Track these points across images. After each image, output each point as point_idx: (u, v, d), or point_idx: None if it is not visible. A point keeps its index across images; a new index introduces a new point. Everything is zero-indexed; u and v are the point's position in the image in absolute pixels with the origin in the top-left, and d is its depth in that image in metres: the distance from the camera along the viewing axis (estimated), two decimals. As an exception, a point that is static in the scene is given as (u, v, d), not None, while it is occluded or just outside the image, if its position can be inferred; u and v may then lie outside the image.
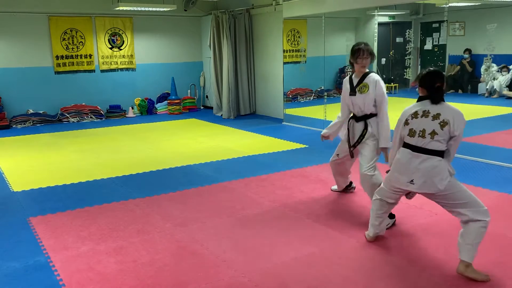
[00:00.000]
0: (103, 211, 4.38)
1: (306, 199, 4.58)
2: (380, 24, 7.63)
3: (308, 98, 10.23)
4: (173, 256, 3.41)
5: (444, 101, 3.05)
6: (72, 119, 9.84)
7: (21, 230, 3.96)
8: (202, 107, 11.72)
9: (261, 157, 6.38)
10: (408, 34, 10.59)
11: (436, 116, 3.00)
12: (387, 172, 3.36)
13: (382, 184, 3.47)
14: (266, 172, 5.55)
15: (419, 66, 10.71)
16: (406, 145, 3.15)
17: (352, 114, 4.20)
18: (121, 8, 9.28)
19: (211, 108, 11.07)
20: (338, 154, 4.40)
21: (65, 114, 9.84)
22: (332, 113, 6.54)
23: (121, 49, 10.50)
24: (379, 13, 7.55)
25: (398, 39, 10.74)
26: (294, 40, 9.77)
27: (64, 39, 9.81)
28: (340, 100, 4.34)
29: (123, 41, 10.50)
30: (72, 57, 9.97)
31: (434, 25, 10.11)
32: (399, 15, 10.58)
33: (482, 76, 10.17)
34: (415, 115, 3.09)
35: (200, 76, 11.58)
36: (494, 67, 9.81)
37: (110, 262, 3.33)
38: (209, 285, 2.99)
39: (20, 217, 4.28)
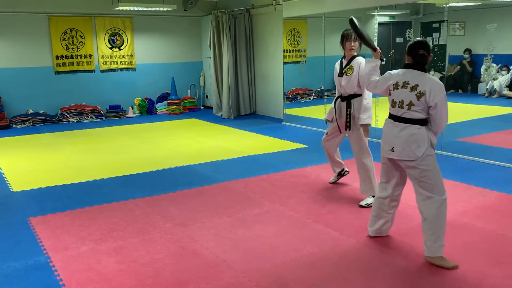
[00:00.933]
0: (103, 211, 4.38)
1: (306, 199, 4.58)
2: (380, 24, 7.62)
3: (308, 98, 10.22)
4: (173, 256, 3.41)
5: (425, 71, 3.17)
6: (72, 119, 9.84)
7: (21, 230, 3.96)
8: (202, 107, 11.72)
9: (261, 157, 6.39)
10: (408, 34, 10.57)
11: (414, 88, 3.13)
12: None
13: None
14: (266, 172, 5.55)
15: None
16: (389, 116, 3.33)
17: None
18: (121, 8, 9.29)
19: (211, 108, 11.07)
20: (327, 133, 4.75)
21: (65, 114, 9.84)
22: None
23: (121, 49, 10.50)
24: (379, 13, 7.54)
25: (398, 39, 10.72)
26: (294, 40, 9.76)
27: (64, 39, 9.82)
28: None
29: (123, 41, 10.50)
30: (72, 57, 9.97)
31: (434, 25, 10.09)
32: (399, 15, 10.56)
33: (482, 76, 10.16)
34: (396, 86, 3.25)
35: (200, 76, 11.58)
36: (494, 67, 9.80)
37: (110, 262, 3.33)
38: (209, 285, 2.99)
39: (20, 217, 4.28)
